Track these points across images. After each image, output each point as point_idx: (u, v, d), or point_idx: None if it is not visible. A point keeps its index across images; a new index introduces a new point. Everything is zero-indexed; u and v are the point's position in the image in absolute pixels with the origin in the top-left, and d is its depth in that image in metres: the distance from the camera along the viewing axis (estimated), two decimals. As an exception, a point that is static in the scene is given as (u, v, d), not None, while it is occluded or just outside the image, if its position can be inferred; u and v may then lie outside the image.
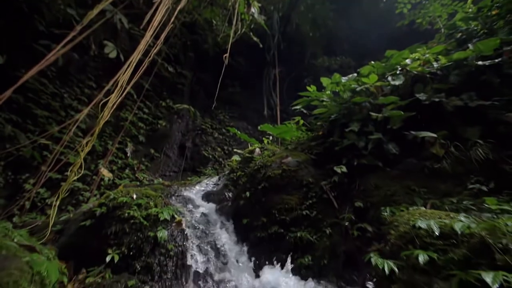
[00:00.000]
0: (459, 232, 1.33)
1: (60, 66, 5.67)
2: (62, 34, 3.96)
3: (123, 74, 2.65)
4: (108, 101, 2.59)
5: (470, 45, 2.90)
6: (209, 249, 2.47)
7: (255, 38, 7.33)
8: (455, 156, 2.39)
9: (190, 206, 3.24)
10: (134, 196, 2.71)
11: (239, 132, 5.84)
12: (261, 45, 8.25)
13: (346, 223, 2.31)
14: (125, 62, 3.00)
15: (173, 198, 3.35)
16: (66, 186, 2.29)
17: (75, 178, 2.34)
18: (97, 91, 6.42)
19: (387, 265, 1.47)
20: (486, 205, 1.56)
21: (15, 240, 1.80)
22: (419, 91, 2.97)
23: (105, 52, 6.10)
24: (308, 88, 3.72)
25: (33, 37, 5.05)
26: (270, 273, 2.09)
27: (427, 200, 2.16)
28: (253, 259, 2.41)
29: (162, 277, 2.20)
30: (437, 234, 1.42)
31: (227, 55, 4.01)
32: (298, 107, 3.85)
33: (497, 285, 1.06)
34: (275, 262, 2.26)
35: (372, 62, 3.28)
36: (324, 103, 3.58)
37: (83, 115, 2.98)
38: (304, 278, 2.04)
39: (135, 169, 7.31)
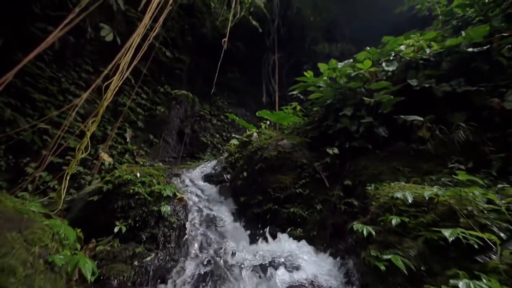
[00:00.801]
0: (426, 198, 1.54)
1: (57, 50, 5.68)
2: (58, 16, 3.98)
3: (124, 57, 2.75)
4: (109, 83, 2.71)
5: (463, 32, 3.00)
6: (209, 223, 2.70)
7: (254, 22, 7.28)
8: (439, 138, 2.58)
9: (190, 186, 3.46)
10: (138, 174, 2.91)
11: (237, 118, 5.98)
12: (260, 30, 8.18)
13: (335, 199, 2.54)
14: (123, 45, 3.08)
15: (174, 178, 3.55)
16: (75, 162, 2.47)
17: (84, 155, 2.51)
18: (94, 76, 6.46)
19: (366, 229, 1.70)
20: (456, 178, 1.75)
21: (32, 209, 2.01)
22: (411, 77, 3.11)
23: (101, 35, 6.08)
24: (305, 73, 3.83)
25: (29, 19, 5.04)
26: (264, 242, 2.34)
27: (410, 178, 2.37)
28: (249, 231, 2.65)
29: (166, 246, 2.44)
30: (410, 202, 1.63)
31: (226, 39, 4.07)
32: (295, 92, 3.98)
33: (453, 238, 1.27)
34: (269, 234, 2.51)
35: (368, 48, 3.38)
36: (321, 88, 3.71)
37: (82, 100, 3.10)
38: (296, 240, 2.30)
39: (135, 154, 7.50)
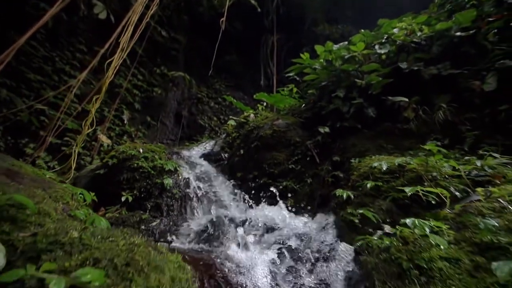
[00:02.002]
0: (396, 165, 1.82)
1: (50, 28, 5.67)
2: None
3: (124, 35, 2.88)
4: (111, 61, 2.86)
5: (454, 16, 3.16)
6: (209, 195, 3.01)
7: (253, 1, 7.19)
8: (422, 118, 2.84)
9: (190, 163, 3.73)
10: (141, 150, 3.16)
11: (235, 100, 6.15)
12: (259, 9, 8.09)
13: (324, 173, 2.83)
14: (117, 23, 3.16)
15: (174, 156, 3.81)
16: (82, 136, 2.70)
17: (90, 130, 2.73)
18: (88, 56, 6.48)
19: (346, 194, 2.00)
20: (427, 151, 2.03)
21: (47, 176, 2.27)
22: (402, 60, 3.30)
23: (94, 12, 6.02)
24: (301, 55, 3.98)
25: (20, -3, 4.99)
26: (259, 210, 2.65)
27: (391, 154, 2.65)
28: (246, 202, 2.97)
29: (169, 213, 2.75)
30: (385, 169, 1.91)
31: (223, 19, 4.13)
32: (291, 74, 4.15)
33: (411, 193, 1.56)
34: (264, 203, 2.82)
35: (363, 30, 3.53)
36: (316, 70, 3.89)
37: (79, 81, 3.25)
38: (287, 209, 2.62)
39: (133, 136, 7.71)
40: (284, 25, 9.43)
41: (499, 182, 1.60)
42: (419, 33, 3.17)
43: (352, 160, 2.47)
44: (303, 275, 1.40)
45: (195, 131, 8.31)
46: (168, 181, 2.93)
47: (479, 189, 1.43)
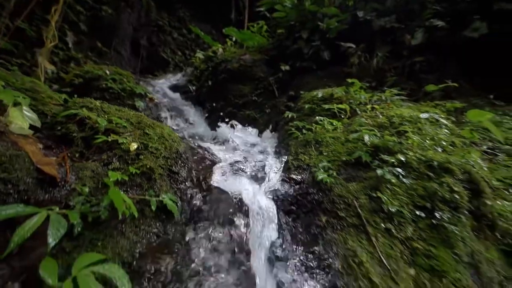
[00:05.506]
0: (328, 93, 2.67)
1: None
2: None
3: None
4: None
5: (409, -30, 3.77)
6: (179, 118, 3.62)
7: None
8: (363, 64, 3.70)
9: (158, 91, 4.14)
10: (107, 72, 3.44)
11: (202, 33, 6.21)
12: None
13: (280, 105, 3.65)
14: None
15: (142, 83, 4.15)
16: (46, 50, 2.87)
17: (52, 44, 2.88)
18: None
19: (291, 114, 2.85)
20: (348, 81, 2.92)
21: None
22: (360, 8, 3.93)
23: None
24: (273, -11, 4.26)
25: None
26: (225, 130, 3.43)
27: (334, 90, 3.54)
28: (213, 126, 3.69)
29: (143, 131, 3.34)
30: (319, 96, 2.77)
31: None
32: (262, 9, 4.47)
33: (330, 108, 2.45)
34: (229, 126, 3.59)
35: (332, -29, 3.92)
36: (285, 8, 4.28)
37: None
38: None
39: (81, 63, 7.27)
40: None
41: (387, 106, 2.59)
42: (377, -17, 3.74)
43: (302, 92, 3.28)
44: (249, 160, 2.28)
45: (157, 65, 8.14)
46: (140, 104, 3.41)
47: (368, 107, 2.37)
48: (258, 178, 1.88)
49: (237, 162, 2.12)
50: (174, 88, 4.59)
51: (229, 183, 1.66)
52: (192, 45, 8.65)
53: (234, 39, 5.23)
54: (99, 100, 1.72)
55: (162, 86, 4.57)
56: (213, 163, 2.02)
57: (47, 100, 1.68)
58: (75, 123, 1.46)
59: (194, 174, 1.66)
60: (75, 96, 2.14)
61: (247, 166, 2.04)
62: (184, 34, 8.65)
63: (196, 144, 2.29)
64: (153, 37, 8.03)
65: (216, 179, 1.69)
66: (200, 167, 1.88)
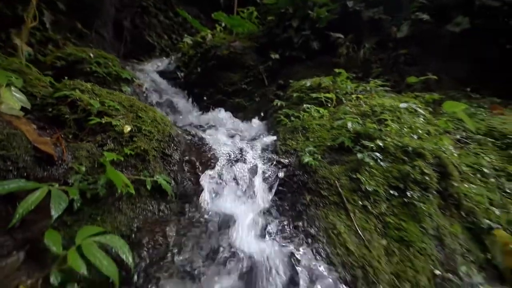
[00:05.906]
0: (316, 83, 2.78)
1: None
2: None
3: None
4: None
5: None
6: (167, 105, 3.61)
7: None
8: (350, 55, 3.82)
9: (145, 77, 4.08)
10: (91, 55, 3.35)
11: (190, 17, 6.06)
12: None
13: (270, 93, 3.72)
14: None
15: (127, 67, 4.06)
16: (26, 30, 2.74)
17: (33, 24, 2.76)
18: None
19: (280, 102, 2.94)
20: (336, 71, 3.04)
21: None
22: (350, -2, 4.00)
23: None
24: (265, -26, 4.22)
25: None
26: (213, 116, 3.48)
27: (322, 80, 3.65)
28: (201, 113, 3.72)
29: (131, 117, 3.32)
30: (308, 85, 2.87)
31: None
32: (252, -6, 4.42)
33: (315, 97, 2.56)
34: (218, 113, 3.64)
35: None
36: (277, -5, 4.27)
37: None
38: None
39: (60, 45, 6.91)
40: None
41: (371, 96, 2.74)
42: (367, -27, 3.81)
43: (291, 81, 3.37)
44: (238, 146, 2.37)
45: (142, 50, 7.87)
46: (126, 89, 3.36)
47: (353, 96, 2.51)
48: (246, 162, 1.98)
49: (226, 146, 2.21)
50: (161, 74, 4.52)
51: (218, 168, 1.75)
52: (179, 30, 8.40)
53: (223, 24, 5.17)
54: (89, 83, 1.72)
55: (148, 71, 4.49)
56: (204, 148, 2.09)
57: (36, 82, 1.67)
58: (66, 105, 1.48)
59: (186, 157, 1.73)
60: (65, 78, 2.11)
61: (235, 151, 2.14)
62: (170, 17, 8.37)
63: (187, 130, 2.35)
64: (137, 19, 7.72)
65: (207, 163, 1.78)
66: (192, 151, 1.95)
